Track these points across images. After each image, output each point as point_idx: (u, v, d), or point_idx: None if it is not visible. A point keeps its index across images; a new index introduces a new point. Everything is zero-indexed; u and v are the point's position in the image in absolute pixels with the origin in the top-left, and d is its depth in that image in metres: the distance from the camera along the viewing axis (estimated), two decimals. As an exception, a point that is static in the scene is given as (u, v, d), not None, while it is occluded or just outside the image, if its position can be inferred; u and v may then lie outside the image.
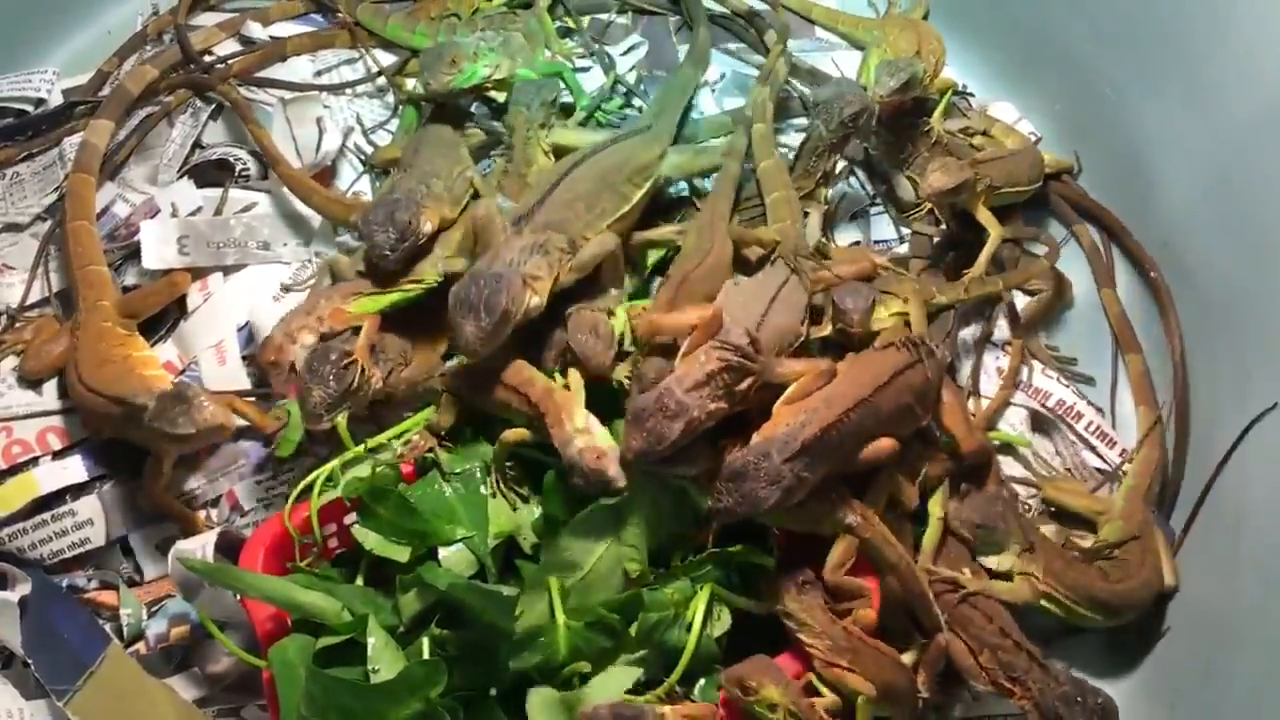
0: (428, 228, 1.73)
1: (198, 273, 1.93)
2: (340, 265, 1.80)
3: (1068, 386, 1.88)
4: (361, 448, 1.57)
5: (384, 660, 1.36)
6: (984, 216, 1.89)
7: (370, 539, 1.50)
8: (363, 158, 2.07)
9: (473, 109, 2.03)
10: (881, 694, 1.43)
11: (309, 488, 1.54)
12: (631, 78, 2.18)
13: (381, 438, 1.60)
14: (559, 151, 1.92)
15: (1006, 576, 1.60)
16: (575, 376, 1.55)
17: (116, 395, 1.66)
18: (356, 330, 1.66)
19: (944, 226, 1.96)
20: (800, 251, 1.73)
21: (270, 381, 1.65)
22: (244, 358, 1.84)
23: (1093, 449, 1.86)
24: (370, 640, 1.38)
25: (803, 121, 2.11)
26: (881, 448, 1.48)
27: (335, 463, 1.55)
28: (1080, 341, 1.95)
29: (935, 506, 1.59)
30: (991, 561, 1.61)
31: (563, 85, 2.06)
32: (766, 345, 1.48)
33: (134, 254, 1.93)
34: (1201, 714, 1.54)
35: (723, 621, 1.44)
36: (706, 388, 1.39)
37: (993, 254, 1.88)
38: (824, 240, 1.92)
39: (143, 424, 1.60)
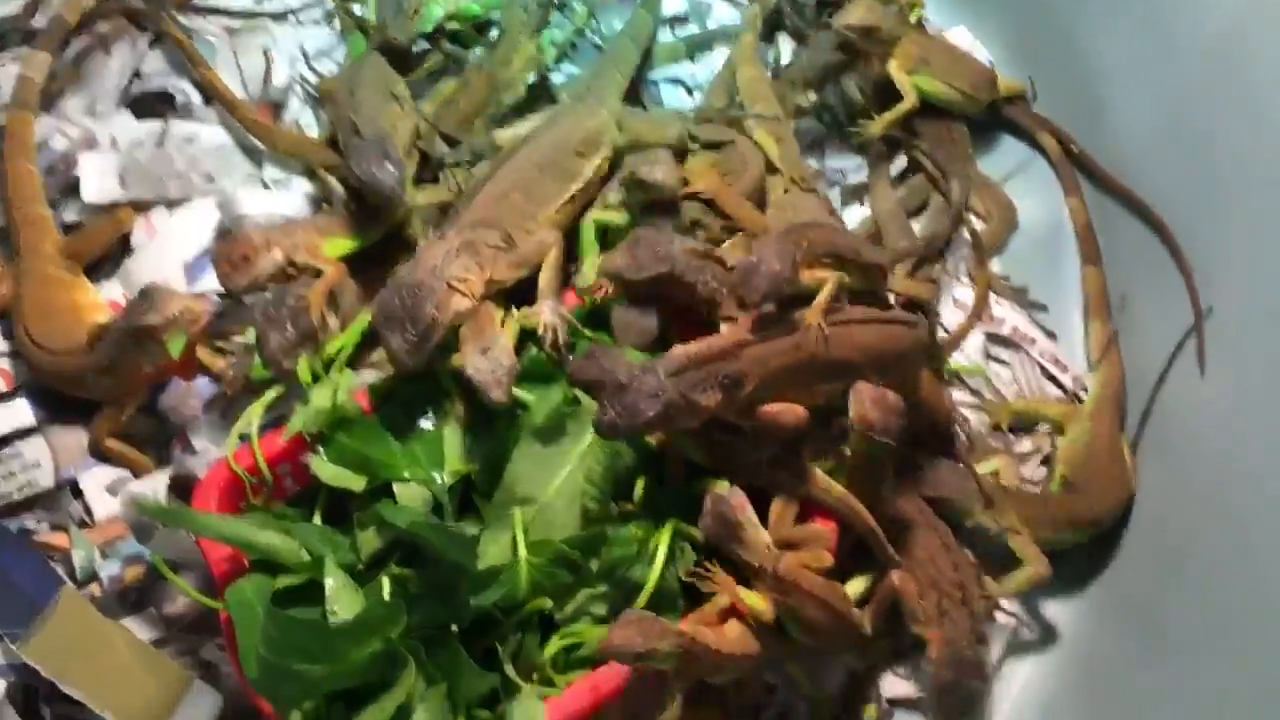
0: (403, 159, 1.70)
1: (141, 207, 1.89)
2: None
3: (1021, 313, 1.89)
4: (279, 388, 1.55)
5: (342, 601, 1.36)
6: (901, 80, 1.90)
7: (327, 470, 1.48)
8: (309, 88, 2.02)
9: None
10: (804, 628, 1.44)
11: (263, 426, 1.52)
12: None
13: (332, 346, 1.58)
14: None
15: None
16: (511, 325, 1.55)
17: (71, 349, 1.64)
18: (319, 273, 1.64)
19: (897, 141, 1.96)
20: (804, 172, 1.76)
21: (229, 280, 1.61)
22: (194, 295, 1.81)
23: (1048, 375, 1.87)
24: (328, 581, 1.37)
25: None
26: (786, 412, 1.44)
27: (267, 397, 1.53)
28: (1032, 268, 1.96)
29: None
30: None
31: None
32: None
33: (73, 189, 1.88)
34: (1150, 634, 1.58)
35: (686, 558, 1.44)
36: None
37: (900, 117, 1.90)
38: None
39: (103, 369, 1.61)
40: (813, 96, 1.95)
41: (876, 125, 1.91)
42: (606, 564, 1.40)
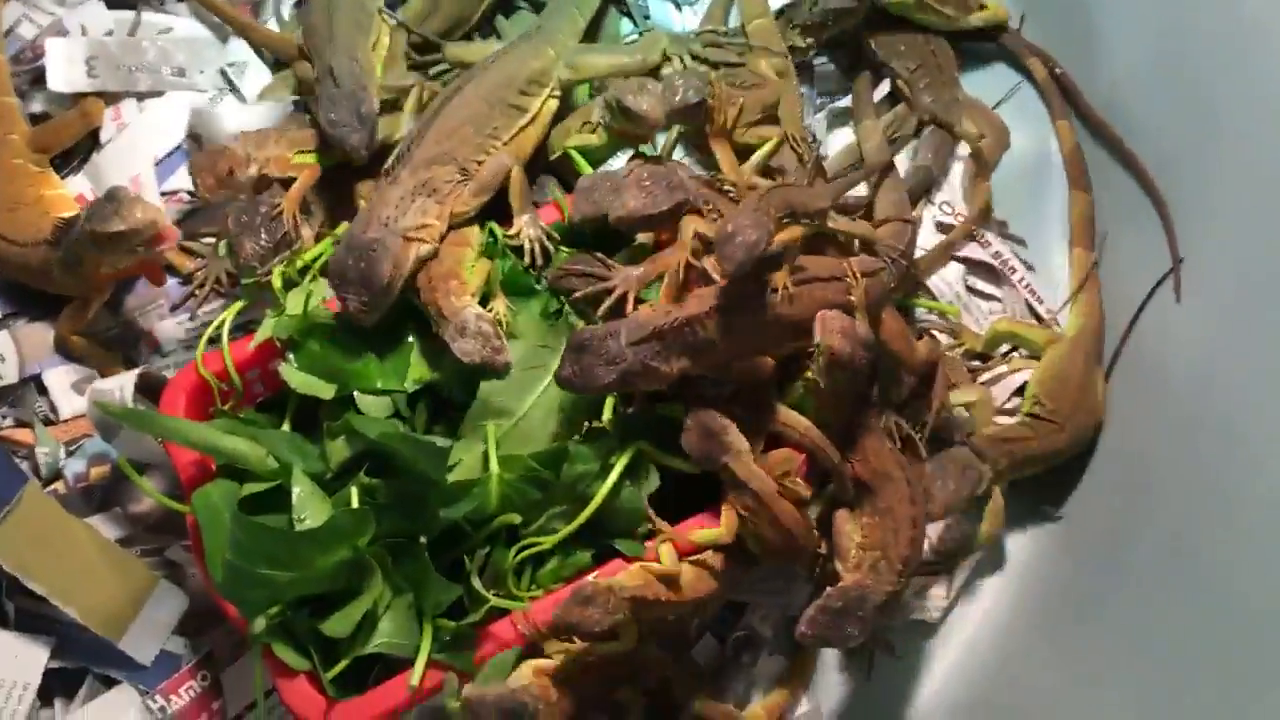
0: (377, 106, 1.65)
1: (110, 99, 1.85)
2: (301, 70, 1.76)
3: (1005, 242, 1.88)
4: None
5: (309, 509, 1.36)
6: None
7: (296, 377, 1.47)
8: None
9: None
10: (764, 550, 1.45)
11: (232, 331, 1.51)
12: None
13: (309, 254, 1.56)
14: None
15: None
16: (481, 269, 1.52)
17: (35, 241, 1.60)
18: (286, 183, 1.61)
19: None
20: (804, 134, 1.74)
21: (212, 194, 1.59)
22: (164, 194, 1.78)
23: (1027, 303, 1.85)
24: (295, 489, 1.36)
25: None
26: (751, 366, 1.44)
27: (238, 305, 1.52)
28: (1014, 201, 1.94)
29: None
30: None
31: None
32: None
33: (40, 78, 1.83)
34: (1114, 564, 1.60)
35: (650, 481, 1.44)
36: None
37: None
38: None
39: (66, 265, 1.57)
40: (808, 41, 1.90)
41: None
42: (569, 479, 1.40)
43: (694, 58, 1.76)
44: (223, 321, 1.50)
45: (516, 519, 1.40)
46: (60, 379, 1.73)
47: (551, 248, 1.56)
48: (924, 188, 1.88)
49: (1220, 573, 1.41)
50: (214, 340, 1.50)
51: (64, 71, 1.82)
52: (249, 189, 1.61)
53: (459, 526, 1.39)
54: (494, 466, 1.39)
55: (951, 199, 1.90)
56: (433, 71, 1.84)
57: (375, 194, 1.54)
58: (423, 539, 1.37)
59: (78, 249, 1.58)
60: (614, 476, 1.40)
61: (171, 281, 1.74)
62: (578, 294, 1.47)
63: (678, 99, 1.58)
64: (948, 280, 1.84)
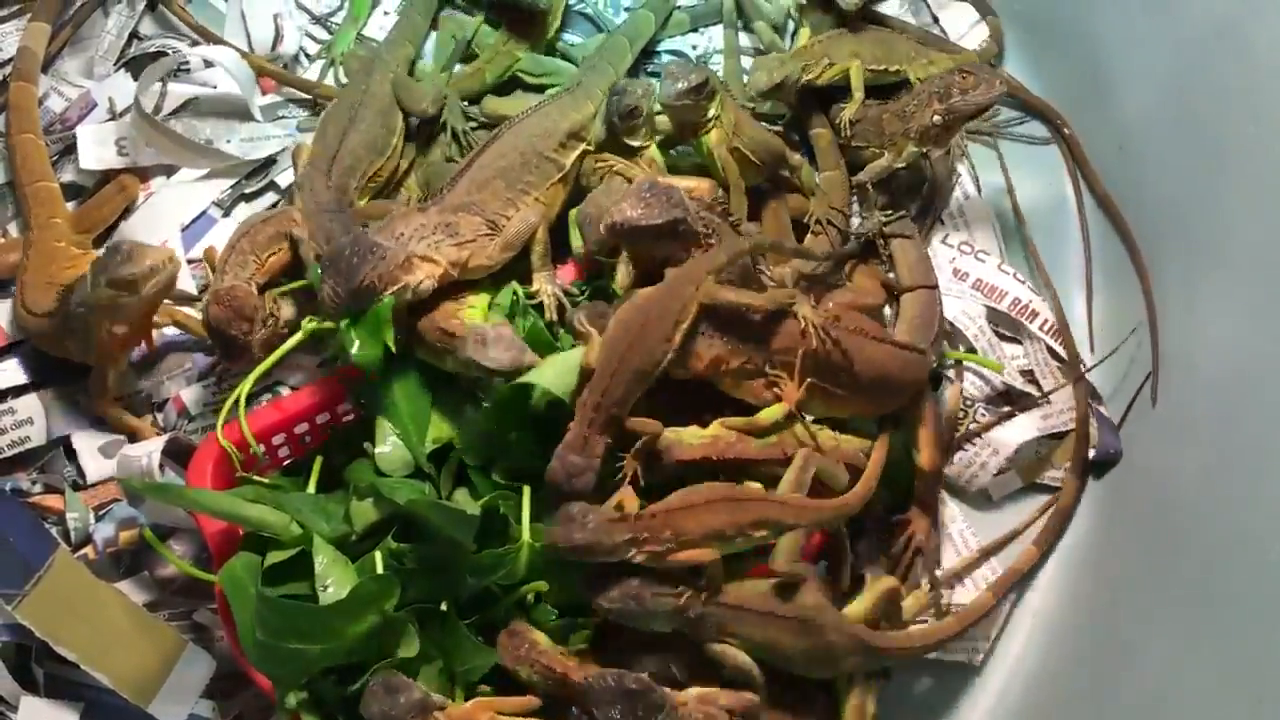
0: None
1: (140, 173, 1.87)
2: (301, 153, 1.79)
3: (1024, 284, 1.87)
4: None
5: (333, 576, 1.36)
6: (854, 81, 1.86)
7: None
8: (310, 55, 2.00)
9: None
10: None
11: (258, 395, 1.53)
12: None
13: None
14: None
15: None
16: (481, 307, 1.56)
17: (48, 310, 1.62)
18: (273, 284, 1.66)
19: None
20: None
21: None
22: (189, 261, 1.81)
23: (1049, 348, 1.84)
24: (318, 559, 1.37)
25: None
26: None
27: (257, 370, 1.52)
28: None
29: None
30: None
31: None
32: None
33: (69, 149, 1.87)
34: (1143, 602, 1.59)
35: None
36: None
37: (850, 119, 1.85)
38: None
39: (71, 331, 1.59)
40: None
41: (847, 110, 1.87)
42: None
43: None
44: (240, 393, 1.49)
45: (544, 586, 1.41)
46: (88, 442, 1.74)
47: (568, 303, 1.58)
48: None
49: (1250, 616, 1.40)
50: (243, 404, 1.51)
51: (95, 153, 1.85)
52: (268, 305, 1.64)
53: (488, 589, 1.39)
54: (526, 536, 1.39)
55: (969, 238, 1.90)
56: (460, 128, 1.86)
57: (400, 212, 1.57)
58: (452, 603, 1.38)
59: (81, 312, 1.59)
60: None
61: (198, 355, 1.77)
62: None
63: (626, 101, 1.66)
64: (971, 315, 1.83)
